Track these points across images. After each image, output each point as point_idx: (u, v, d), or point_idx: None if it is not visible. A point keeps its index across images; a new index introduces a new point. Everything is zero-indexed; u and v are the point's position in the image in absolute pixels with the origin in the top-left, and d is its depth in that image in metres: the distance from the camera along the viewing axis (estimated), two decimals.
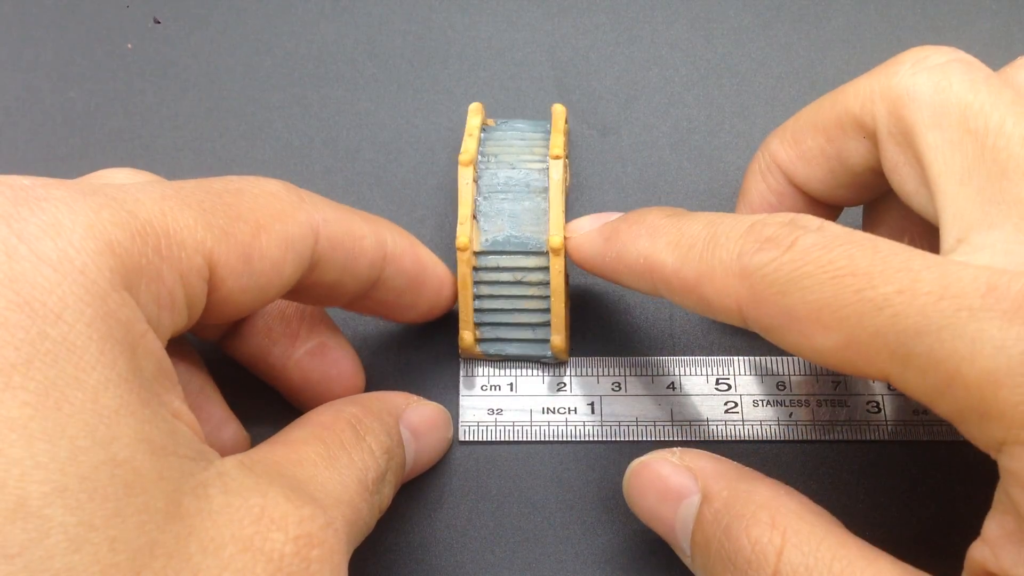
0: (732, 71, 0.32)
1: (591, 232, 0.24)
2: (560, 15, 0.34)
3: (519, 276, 0.26)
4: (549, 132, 0.27)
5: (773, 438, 0.27)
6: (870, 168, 0.23)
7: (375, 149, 0.31)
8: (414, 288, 0.25)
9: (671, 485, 0.22)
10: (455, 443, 0.27)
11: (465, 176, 0.26)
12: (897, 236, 0.24)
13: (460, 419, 0.27)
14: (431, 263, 0.25)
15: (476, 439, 0.27)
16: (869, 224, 0.26)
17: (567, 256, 0.25)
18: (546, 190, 0.26)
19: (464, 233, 0.25)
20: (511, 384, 0.27)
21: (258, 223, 0.20)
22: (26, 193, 0.16)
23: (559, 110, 0.28)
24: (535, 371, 0.27)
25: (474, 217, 0.26)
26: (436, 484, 0.26)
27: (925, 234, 0.24)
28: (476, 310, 0.26)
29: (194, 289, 0.18)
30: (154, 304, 0.18)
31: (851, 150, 0.23)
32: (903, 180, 0.21)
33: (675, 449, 0.23)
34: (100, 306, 0.16)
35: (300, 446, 0.20)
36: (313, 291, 0.23)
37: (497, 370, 0.27)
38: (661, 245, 0.21)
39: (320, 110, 0.32)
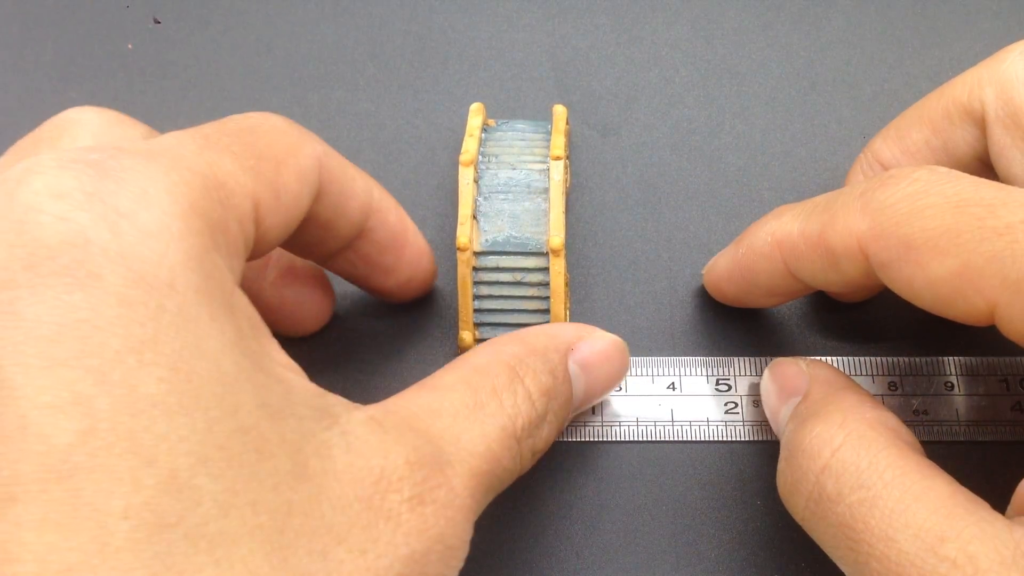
0: (732, 71, 0.32)
1: (722, 251, 0.26)
2: (560, 15, 0.34)
3: (519, 277, 0.26)
4: (550, 133, 0.27)
5: (773, 438, 0.27)
6: (976, 157, 0.23)
7: (375, 149, 0.31)
8: (396, 247, 0.25)
9: (788, 383, 0.24)
10: None
11: (466, 176, 0.26)
12: None
13: None
14: (412, 229, 0.26)
15: None
16: None
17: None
18: (546, 191, 0.26)
19: (464, 233, 0.25)
20: None
21: (277, 159, 0.20)
22: (103, 166, 0.16)
23: (560, 111, 0.28)
24: None
25: (474, 217, 0.26)
26: None
27: None
28: (476, 310, 0.26)
29: (249, 235, 0.18)
30: (230, 258, 0.17)
31: (957, 139, 0.24)
32: (1010, 163, 0.22)
33: (811, 358, 0.25)
34: (200, 270, 0.16)
35: (445, 392, 0.20)
36: (308, 230, 0.23)
37: None
38: (786, 218, 0.23)
39: (320, 110, 0.32)
